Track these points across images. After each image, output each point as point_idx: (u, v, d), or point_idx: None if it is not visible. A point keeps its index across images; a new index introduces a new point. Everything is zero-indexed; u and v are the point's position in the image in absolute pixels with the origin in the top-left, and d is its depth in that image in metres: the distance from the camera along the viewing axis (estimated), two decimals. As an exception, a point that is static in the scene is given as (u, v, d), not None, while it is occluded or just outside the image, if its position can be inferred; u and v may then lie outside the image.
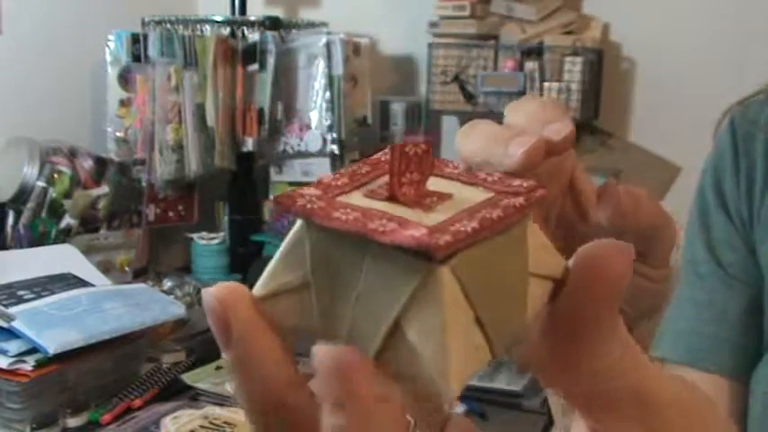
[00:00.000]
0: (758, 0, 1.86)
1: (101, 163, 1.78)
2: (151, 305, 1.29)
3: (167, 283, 1.68)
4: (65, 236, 1.66)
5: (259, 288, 0.21)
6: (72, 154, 1.73)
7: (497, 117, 0.33)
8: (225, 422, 1.10)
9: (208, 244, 1.92)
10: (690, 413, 0.23)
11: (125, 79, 1.87)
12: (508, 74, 1.93)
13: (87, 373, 1.17)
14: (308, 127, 1.90)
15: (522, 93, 1.97)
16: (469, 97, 1.96)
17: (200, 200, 2.04)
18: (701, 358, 0.69)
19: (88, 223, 1.72)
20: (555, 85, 1.93)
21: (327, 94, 1.87)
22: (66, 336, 1.11)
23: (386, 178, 0.21)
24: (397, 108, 2.05)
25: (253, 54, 1.90)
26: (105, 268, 1.63)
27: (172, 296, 1.53)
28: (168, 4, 2.05)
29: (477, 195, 0.21)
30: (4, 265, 1.33)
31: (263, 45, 1.89)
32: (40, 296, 1.21)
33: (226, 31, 1.92)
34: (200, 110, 1.87)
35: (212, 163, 1.88)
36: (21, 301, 1.18)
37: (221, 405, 1.17)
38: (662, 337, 0.69)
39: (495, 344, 0.20)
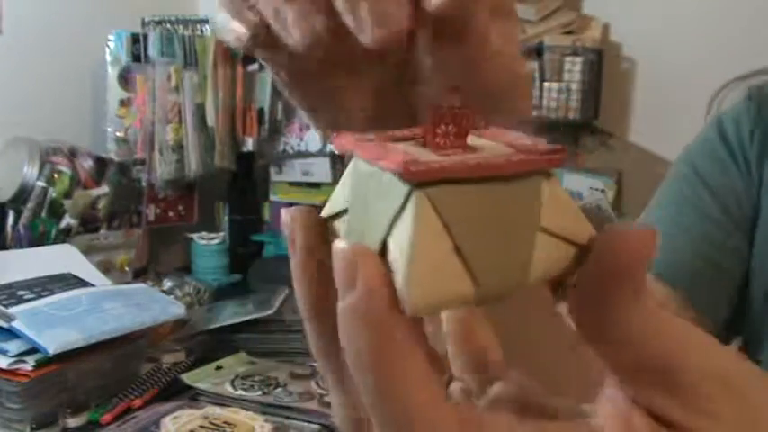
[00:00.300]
0: (758, 0, 1.86)
1: (101, 163, 1.78)
2: (151, 305, 1.29)
3: (167, 283, 1.68)
4: (65, 236, 1.66)
5: (325, 210, 0.24)
6: (72, 154, 1.73)
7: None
8: (225, 422, 1.10)
9: (208, 244, 1.92)
10: (729, 384, 0.23)
11: (125, 79, 1.87)
12: (508, 74, 1.93)
13: (87, 373, 1.17)
14: (308, 127, 1.90)
15: (522, 93, 1.97)
16: (469, 97, 1.96)
17: (200, 200, 2.04)
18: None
19: (88, 223, 1.72)
20: (555, 85, 1.93)
21: (327, 94, 1.87)
22: (66, 336, 1.11)
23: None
24: (397, 108, 2.05)
25: (253, 54, 1.90)
26: (105, 268, 1.63)
27: (172, 296, 1.53)
28: (168, 4, 2.05)
29: (501, 151, 0.22)
30: (4, 265, 1.33)
31: (263, 45, 1.89)
32: (40, 296, 1.21)
33: (226, 31, 1.92)
34: (200, 110, 1.87)
35: (212, 163, 1.88)
36: (21, 301, 1.18)
37: (221, 405, 1.17)
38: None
39: (481, 282, 0.21)
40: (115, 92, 1.87)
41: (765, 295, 0.69)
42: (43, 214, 1.66)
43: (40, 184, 1.65)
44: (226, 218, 2.03)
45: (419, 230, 0.20)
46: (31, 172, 1.65)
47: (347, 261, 0.21)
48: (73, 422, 1.13)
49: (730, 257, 0.69)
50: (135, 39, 1.87)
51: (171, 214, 1.97)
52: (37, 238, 1.62)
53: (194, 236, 1.93)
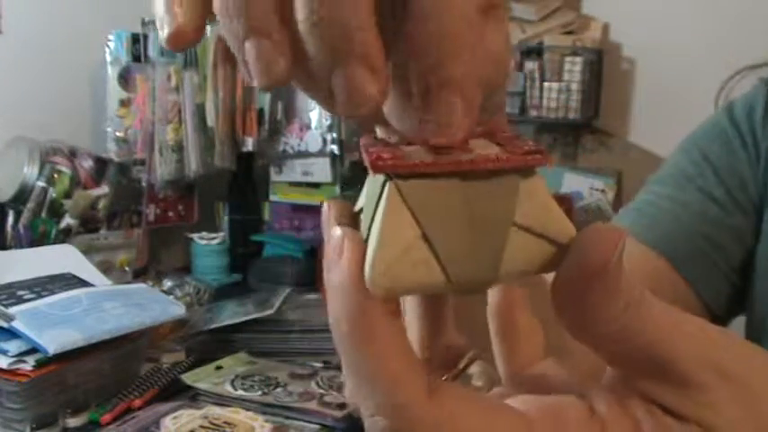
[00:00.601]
0: (758, 0, 1.86)
1: (101, 163, 1.78)
2: (151, 305, 1.29)
3: (167, 283, 1.68)
4: (65, 236, 1.66)
5: (357, 205, 0.26)
6: (72, 154, 1.73)
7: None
8: (225, 422, 1.10)
9: (208, 244, 1.92)
10: (726, 372, 0.23)
11: (125, 79, 1.87)
12: (508, 74, 1.93)
13: (87, 373, 1.17)
14: (308, 127, 1.90)
15: (522, 93, 1.97)
16: (469, 97, 1.96)
17: (200, 200, 2.04)
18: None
19: (88, 223, 1.73)
20: (555, 85, 1.94)
21: (327, 94, 1.87)
22: (65, 336, 1.11)
23: None
24: (397, 108, 2.05)
25: (253, 54, 1.90)
26: (105, 268, 1.63)
27: (172, 296, 1.53)
28: (168, 4, 2.04)
29: (491, 150, 0.24)
30: (4, 265, 1.33)
31: (263, 45, 1.89)
32: (40, 296, 1.21)
33: (226, 31, 1.92)
34: (200, 110, 1.87)
35: (212, 163, 1.88)
36: (21, 301, 1.18)
37: (221, 405, 1.17)
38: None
39: (449, 270, 0.22)
40: (115, 92, 1.87)
41: None
42: (43, 214, 1.66)
43: (40, 184, 1.65)
44: (226, 218, 2.03)
45: (387, 217, 0.22)
46: (31, 172, 1.65)
47: (336, 244, 0.23)
48: (73, 422, 1.13)
49: (728, 235, 0.68)
50: (135, 39, 1.87)
51: (171, 214, 1.97)
52: (37, 238, 1.62)
53: (194, 236, 1.93)
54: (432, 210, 0.22)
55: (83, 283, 1.31)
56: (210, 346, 1.43)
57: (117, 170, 1.81)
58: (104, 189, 1.75)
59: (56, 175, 1.68)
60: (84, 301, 1.22)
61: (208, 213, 2.05)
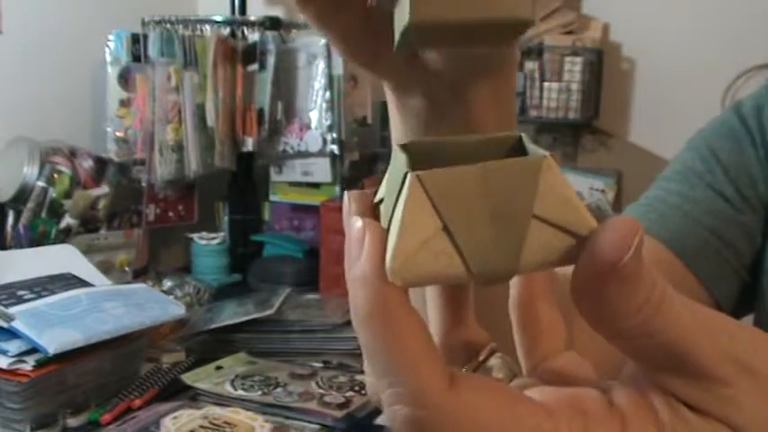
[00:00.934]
0: (758, 0, 1.86)
1: (101, 163, 1.78)
2: (151, 305, 1.29)
3: (167, 283, 1.68)
4: (65, 236, 1.66)
5: (376, 196, 0.27)
6: (72, 154, 1.73)
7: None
8: (225, 422, 1.10)
9: (208, 244, 1.92)
10: (748, 367, 0.22)
11: (125, 79, 1.87)
12: (508, 74, 1.92)
13: (87, 373, 1.17)
14: (308, 127, 1.90)
15: (522, 93, 1.97)
16: (469, 97, 1.96)
17: (200, 200, 2.04)
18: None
19: (88, 223, 1.73)
20: (555, 85, 1.93)
21: (327, 93, 1.87)
22: (65, 336, 1.11)
23: None
24: (397, 108, 2.05)
25: (253, 54, 1.90)
26: (105, 268, 1.63)
27: (172, 296, 1.53)
28: (168, 4, 2.05)
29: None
30: (4, 265, 1.33)
31: (263, 45, 1.89)
32: (40, 296, 1.21)
33: (226, 31, 1.92)
34: (200, 110, 1.87)
35: (212, 163, 1.88)
36: (21, 301, 1.18)
37: (221, 405, 1.17)
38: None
39: (470, 261, 0.23)
40: (115, 92, 1.87)
41: None
42: (43, 214, 1.66)
43: (40, 184, 1.65)
44: (226, 218, 2.03)
45: (408, 207, 0.22)
46: (31, 172, 1.65)
47: (357, 235, 0.23)
48: (73, 422, 1.13)
49: (738, 232, 0.68)
50: (135, 39, 1.87)
51: (171, 214, 1.97)
52: (37, 238, 1.62)
53: (194, 236, 1.93)
54: (452, 201, 0.23)
55: (83, 283, 1.31)
56: (210, 346, 1.43)
57: (117, 170, 1.81)
58: (104, 189, 1.75)
59: (56, 175, 1.68)
60: (84, 301, 1.22)
61: (208, 213, 2.05)
